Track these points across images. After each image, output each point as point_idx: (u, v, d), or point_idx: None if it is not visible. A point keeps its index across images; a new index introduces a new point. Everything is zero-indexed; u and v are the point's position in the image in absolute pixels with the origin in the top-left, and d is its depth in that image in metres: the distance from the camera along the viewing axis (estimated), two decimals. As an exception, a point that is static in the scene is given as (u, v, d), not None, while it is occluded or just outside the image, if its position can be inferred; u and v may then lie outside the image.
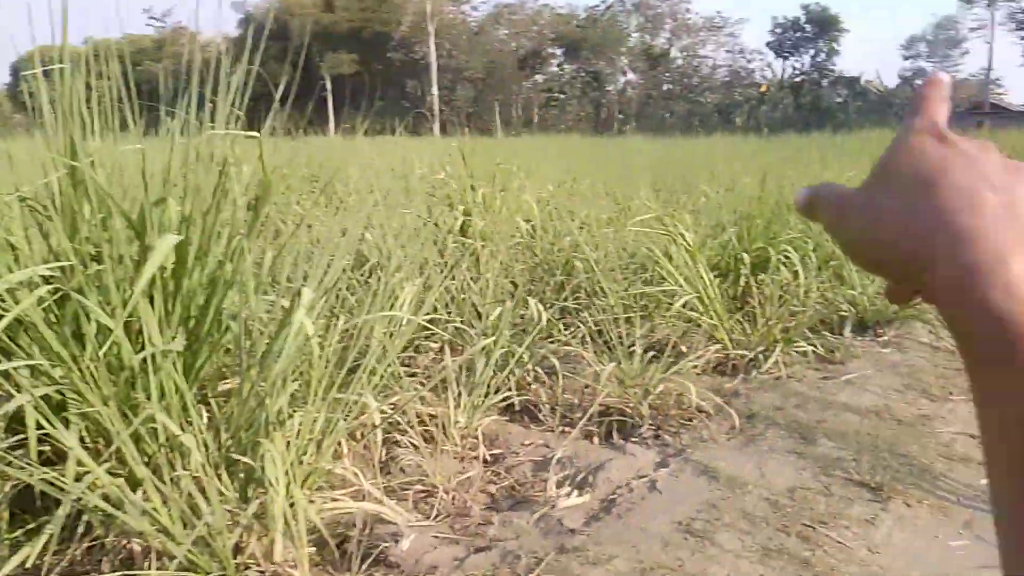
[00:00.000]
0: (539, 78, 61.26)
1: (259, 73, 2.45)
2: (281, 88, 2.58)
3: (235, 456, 1.96)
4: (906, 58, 71.44)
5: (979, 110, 47.79)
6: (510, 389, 2.94)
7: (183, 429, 1.93)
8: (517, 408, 2.97)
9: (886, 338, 4.10)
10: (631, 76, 63.57)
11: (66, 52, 2.22)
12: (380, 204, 3.97)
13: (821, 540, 2.07)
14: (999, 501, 0.30)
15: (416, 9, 50.46)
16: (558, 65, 62.16)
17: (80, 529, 1.86)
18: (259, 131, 2.55)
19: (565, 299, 3.77)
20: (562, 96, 59.02)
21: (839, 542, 2.07)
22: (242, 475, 1.98)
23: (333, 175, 3.57)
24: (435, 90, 42.43)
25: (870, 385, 3.35)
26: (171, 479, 1.79)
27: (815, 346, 3.71)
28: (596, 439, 2.78)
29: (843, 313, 4.27)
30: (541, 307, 3.32)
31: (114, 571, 1.78)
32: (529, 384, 3.12)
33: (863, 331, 4.20)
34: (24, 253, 2.08)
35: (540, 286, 3.94)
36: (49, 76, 2.19)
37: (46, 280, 2.03)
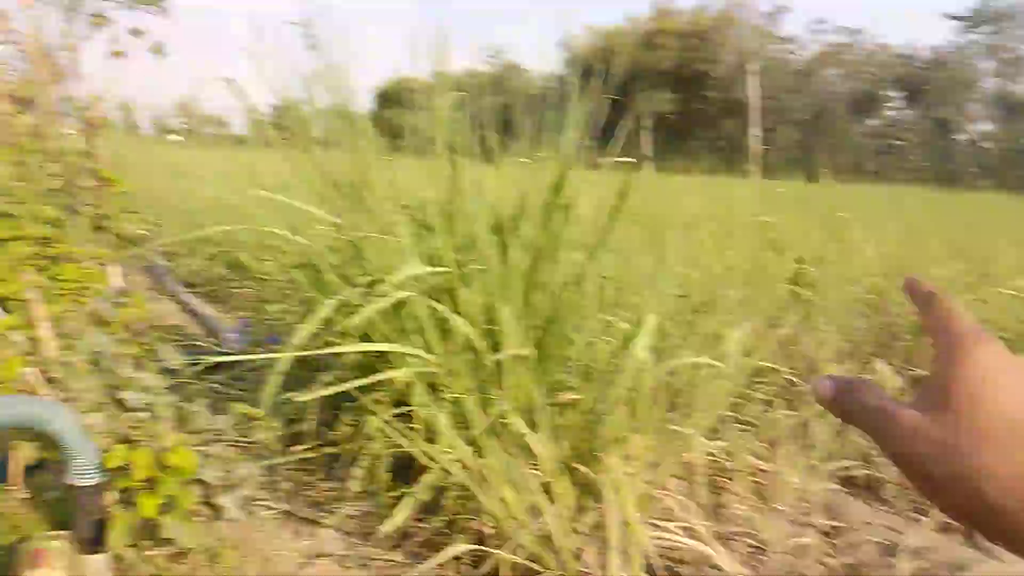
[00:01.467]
0: (873, 122, 56.38)
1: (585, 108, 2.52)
2: (622, 126, 2.62)
3: (574, 465, 2.02)
4: None
5: None
6: (852, 459, 2.66)
7: (531, 430, 2.04)
8: (858, 482, 2.67)
9: None
10: (985, 126, 55.72)
11: (444, 87, 2.55)
12: (705, 243, 3.90)
13: None
14: None
15: (737, 48, 49.52)
16: (896, 109, 56.62)
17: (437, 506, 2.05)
18: (591, 164, 2.65)
19: (918, 366, 3.34)
20: (900, 143, 53.59)
21: None
22: (579, 485, 2.02)
23: (661, 210, 3.65)
24: (756, 131, 41.01)
25: None
26: (520, 474, 1.89)
27: None
28: (954, 534, 2.39)
29: None
30: (890, 371, 2.97)
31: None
32: (875, 457, 2.79)
33: None
34: (408, 254, 2.35)
35: (887, 350, 3.54)
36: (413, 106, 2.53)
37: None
